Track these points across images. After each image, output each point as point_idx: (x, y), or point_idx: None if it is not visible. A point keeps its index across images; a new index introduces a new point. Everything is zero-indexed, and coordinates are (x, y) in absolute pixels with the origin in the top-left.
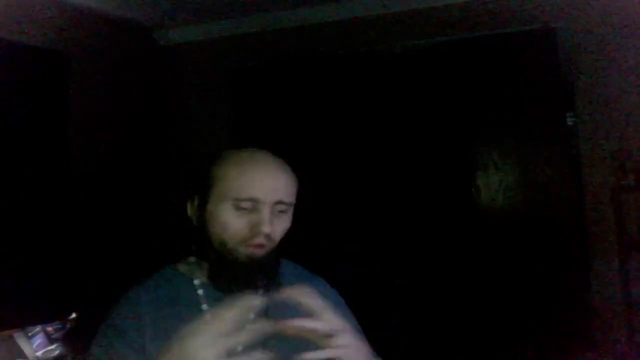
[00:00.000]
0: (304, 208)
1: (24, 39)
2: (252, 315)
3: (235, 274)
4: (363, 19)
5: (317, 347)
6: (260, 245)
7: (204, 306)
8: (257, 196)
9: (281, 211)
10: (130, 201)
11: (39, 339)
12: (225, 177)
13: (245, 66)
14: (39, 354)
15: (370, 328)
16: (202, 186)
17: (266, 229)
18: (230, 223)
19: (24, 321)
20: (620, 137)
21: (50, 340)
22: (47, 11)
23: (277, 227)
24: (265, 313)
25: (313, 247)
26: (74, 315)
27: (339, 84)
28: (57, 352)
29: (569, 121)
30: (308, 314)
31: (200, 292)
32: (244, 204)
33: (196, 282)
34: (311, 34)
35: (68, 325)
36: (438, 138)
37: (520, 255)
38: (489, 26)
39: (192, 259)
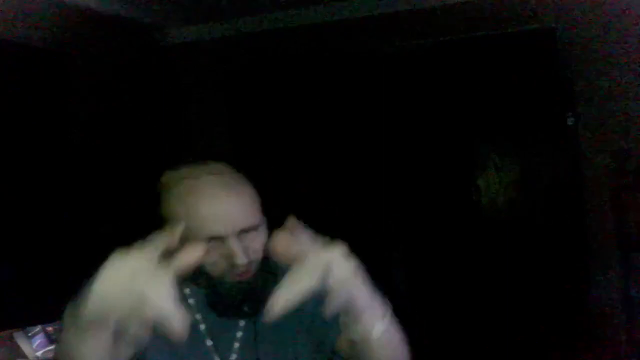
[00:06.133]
0: (304, 208)
1: (24, 39)
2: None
3: (230, 301)
4: (363, 19)
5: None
6: (245, 272)
7: (191, 301)
8: (216, 234)
9: (252, 231)
10: (129, 201)
11: (39, 339)
12: (179, 217)
13: (244, 66)
14: (39, 354)
15: None
16: (164, 220)
17: (240, 260)
18: (204, 260)
19: (24, 321)
20: (620, 137)
21: (50, 340)
22: (47, 11)
23: (254, 249)
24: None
25: None
26: None
27: (339, 84)
28: None
29: (569, 121)
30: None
31: (186, 291)
32: (209, 241)
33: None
34: (311, 34)
35: None
36: (438, 138)
37: (520, 255)
38: (489, 26)
39: None
